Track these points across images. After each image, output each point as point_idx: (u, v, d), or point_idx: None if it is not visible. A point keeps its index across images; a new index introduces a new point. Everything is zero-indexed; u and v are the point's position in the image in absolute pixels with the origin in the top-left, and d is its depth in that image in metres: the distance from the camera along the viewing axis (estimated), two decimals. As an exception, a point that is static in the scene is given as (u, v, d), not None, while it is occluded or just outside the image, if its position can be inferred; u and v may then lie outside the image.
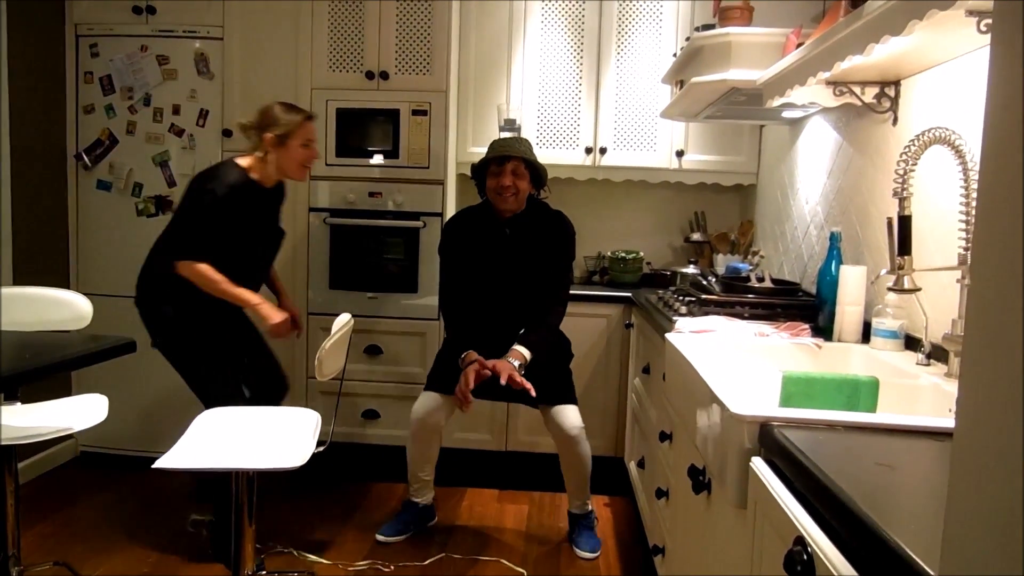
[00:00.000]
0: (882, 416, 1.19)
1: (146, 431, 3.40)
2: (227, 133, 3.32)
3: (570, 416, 2.69)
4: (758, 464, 1.17)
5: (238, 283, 2.53)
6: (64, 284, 3.39)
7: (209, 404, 2.54)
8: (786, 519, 1.02)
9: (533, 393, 2.52)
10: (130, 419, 3.43)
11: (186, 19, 3.32)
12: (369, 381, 3.35)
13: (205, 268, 2.46)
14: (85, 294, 3.44)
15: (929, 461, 1.07)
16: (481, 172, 2.70)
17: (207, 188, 2.49)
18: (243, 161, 2.59)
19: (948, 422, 1.17)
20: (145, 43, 3.33)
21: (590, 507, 2.87)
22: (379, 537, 2.81)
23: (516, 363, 2.56)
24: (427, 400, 2.72)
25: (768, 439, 1.16)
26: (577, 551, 2.78)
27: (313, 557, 2.66)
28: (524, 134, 3.47)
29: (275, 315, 2.54)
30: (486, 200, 2.77)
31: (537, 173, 2.69)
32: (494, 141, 2.79)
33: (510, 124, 3.37)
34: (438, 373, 2.77)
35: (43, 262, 3.32)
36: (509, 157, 2.60)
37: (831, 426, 1.17)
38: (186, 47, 3.33)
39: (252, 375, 2.78)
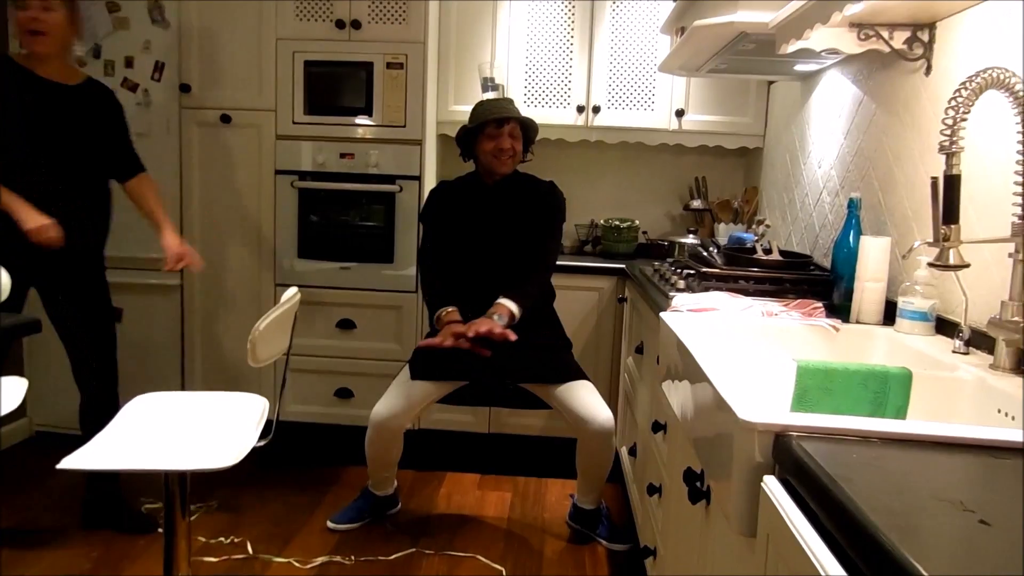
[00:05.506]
0: (935, 426, 0.94)
1: (103, 410, 3.16)
2: (185, 88, 3.03)
3: (593, 402, 2.42)
4: (772, 486, 0.93)
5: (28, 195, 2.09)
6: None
7: None
8: (809, 564, 0.78)
9: (513, 337, 2.30)
10: (86, 397, 3.19)
11: (138, -39, 3.01)
12: (342, 358, 3.12)
13: None
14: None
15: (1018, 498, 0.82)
16: (470, 135, 2.52)
17: None
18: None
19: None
20: (93, -13, 3.03)
21: (603, 500, 2.66)
22: (330, 524, 2.62)
23: (502, 319, 2.36)
24: (390, 401, 2.48)
25: (786, 454, 0.91)
26: (608, 544, 2.58)
27: (275, 557, 2.45)
28: (510, 91, 3.20)
29: (30, 219, 2.00)
30: (474, 171, 2.63)
31: (527, 135, 2.55)
32: (483, 102, 2.59)
33: (491, 83, 3.10)
34: (421, 357, 2.50)
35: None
36: (508, 119, 2.46)
37: (865, 438, 0.92)
38: (139, -8, 3.02)
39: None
